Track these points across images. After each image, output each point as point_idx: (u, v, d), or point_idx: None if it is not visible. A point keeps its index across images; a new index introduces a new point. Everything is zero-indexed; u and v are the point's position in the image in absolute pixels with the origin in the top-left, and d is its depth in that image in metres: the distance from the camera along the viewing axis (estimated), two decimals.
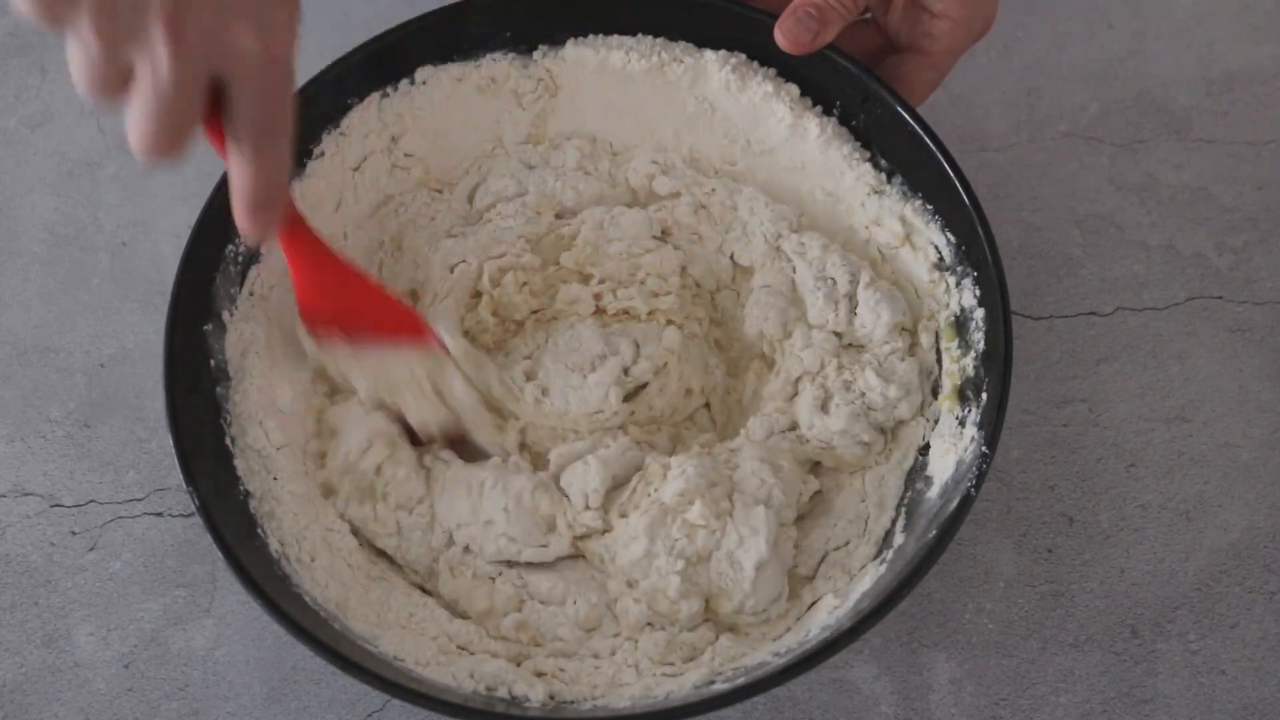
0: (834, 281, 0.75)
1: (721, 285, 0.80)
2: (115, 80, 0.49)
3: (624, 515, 0.71)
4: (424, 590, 0.72)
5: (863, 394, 0.73)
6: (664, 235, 0.79)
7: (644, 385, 0.76)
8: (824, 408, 0.73)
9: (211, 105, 0.52)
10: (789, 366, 0.75)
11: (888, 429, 0.74)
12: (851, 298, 0.74)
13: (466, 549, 0.71)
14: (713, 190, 0.80)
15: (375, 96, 0.77)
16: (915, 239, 0.75)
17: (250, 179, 0.54)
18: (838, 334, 0.75)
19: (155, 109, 0.49)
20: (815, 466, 0.75)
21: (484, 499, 0.71)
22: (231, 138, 0.53)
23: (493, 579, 0.71)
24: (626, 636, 0.69)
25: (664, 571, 0.68)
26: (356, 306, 0.71)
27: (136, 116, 0.50)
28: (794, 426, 0.74)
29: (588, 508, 0.71)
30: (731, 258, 0.79)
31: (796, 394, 0.74)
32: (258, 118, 0.52)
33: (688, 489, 0.69)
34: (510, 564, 0.71)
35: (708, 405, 0.79)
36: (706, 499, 0.69)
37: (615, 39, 0.78)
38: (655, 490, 0.71)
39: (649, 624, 0.69)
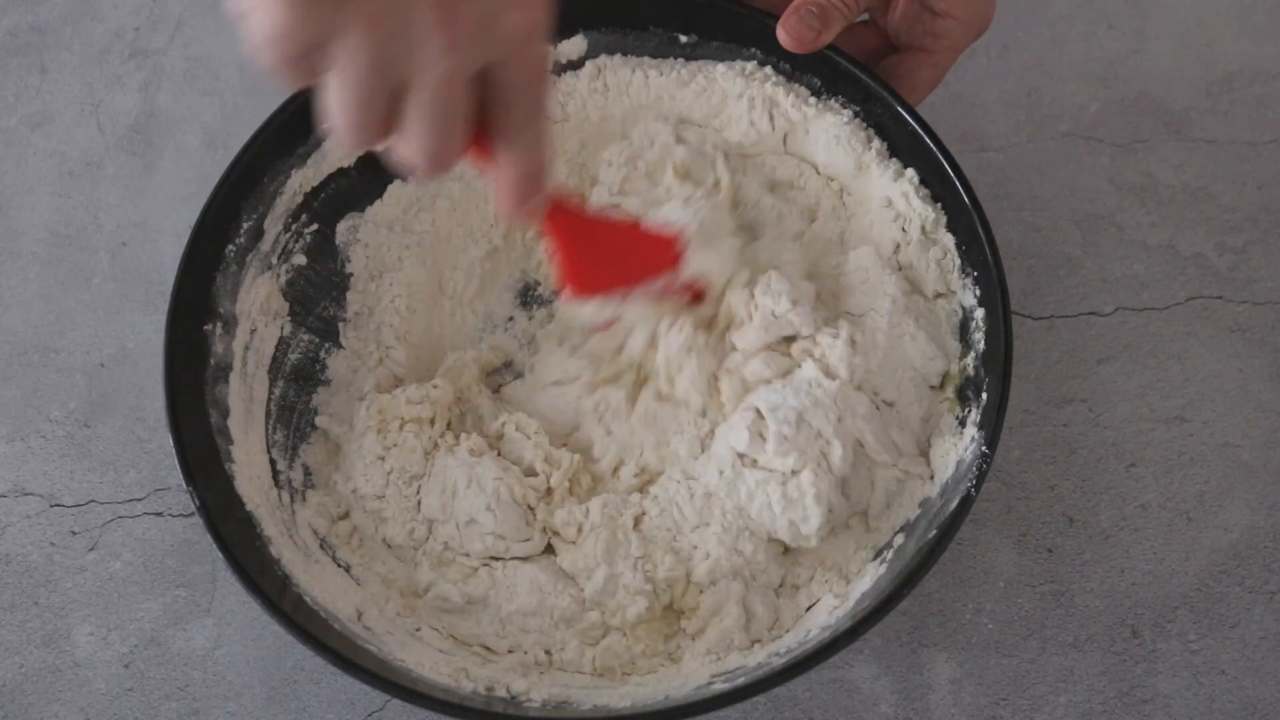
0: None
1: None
2: (380, 110, 0.46)
3: (571, 493, 0.72)
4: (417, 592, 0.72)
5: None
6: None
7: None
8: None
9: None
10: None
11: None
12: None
13: (446, 546, 0.71)
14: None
15: None
16: None
17: (520, 165, 0.51)
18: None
19: (431, 114, 0.46)
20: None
21: (458, 499, 0.71)
22: (499, 130, 0.50)
23: (475, 570, 0.71)
24: (595, 639, 0.69)
25: (631, 591, 0.69)
26: (622, 258, 0.69)
27: (413, 130, 0.47)
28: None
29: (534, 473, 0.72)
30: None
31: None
32: (525, 100, 0.49)
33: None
34: (494, 558, 0.71)
35: None
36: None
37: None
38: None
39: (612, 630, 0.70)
